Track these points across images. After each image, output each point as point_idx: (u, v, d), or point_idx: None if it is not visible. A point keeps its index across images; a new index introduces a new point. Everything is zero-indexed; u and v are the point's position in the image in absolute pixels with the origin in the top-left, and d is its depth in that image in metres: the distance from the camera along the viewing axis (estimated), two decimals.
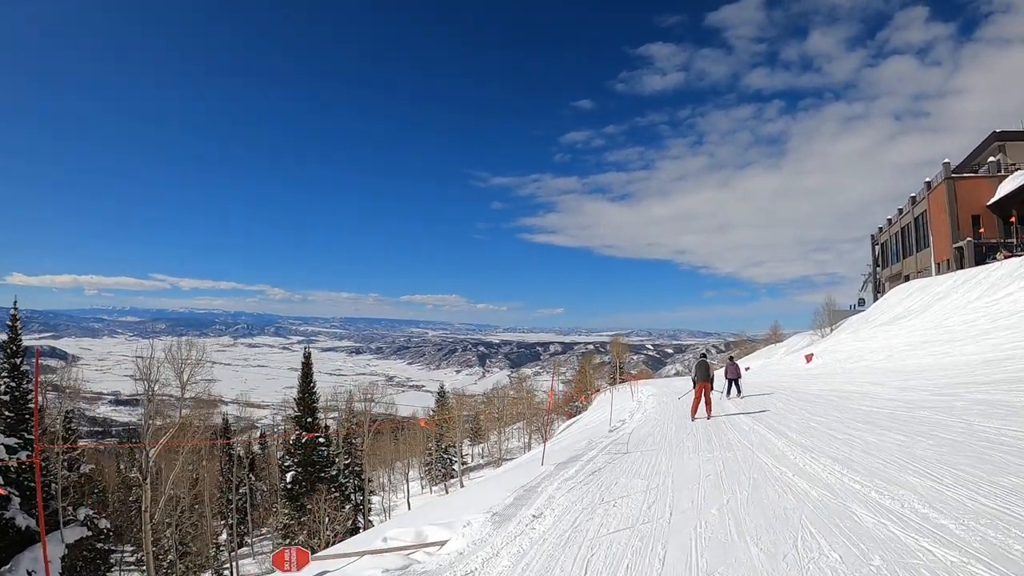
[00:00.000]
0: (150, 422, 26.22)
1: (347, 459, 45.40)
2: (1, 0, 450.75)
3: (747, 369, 38.91)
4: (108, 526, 31.11)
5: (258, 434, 58.89)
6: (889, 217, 52.70)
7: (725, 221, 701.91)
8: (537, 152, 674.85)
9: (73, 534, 25.20)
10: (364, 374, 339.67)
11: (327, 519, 30.49)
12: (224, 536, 40.06)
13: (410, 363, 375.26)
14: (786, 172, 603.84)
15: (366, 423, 43.71)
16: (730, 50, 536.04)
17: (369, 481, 48.65)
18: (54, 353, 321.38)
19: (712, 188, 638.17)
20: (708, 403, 16.31)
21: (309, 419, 36.96)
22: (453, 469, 60.31)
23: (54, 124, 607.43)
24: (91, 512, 28.82)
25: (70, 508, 27.05)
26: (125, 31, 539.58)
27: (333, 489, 34.81)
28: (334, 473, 36.49)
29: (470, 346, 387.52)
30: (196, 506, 35.70)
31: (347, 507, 37.92)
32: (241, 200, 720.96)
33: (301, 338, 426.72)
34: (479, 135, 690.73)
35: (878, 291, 54.89)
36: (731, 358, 26.27)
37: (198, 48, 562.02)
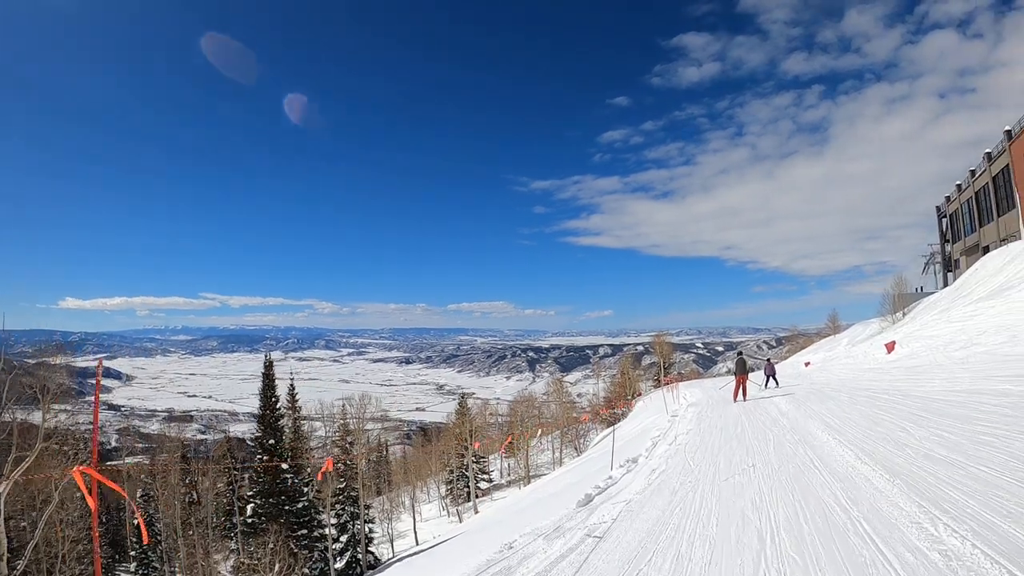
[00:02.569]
0: None
1: (342, 483, 39.86)
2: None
3: (807, 364, 35.90)
4: None
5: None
6: (958, 183, 45.38)
7: (771, 214, 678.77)
8: (576, 153, 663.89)
9: None
10: (414, 384, 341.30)
11: (279, 565, 24.21)
12: None
13: (460, 371, 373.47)
14: (830, 159, 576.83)
15: (360, 446, 37.92)
16: (765, 36, 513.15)
17: (368, 508, 42.85)
18: (109, 373, 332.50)
19: (756, 180, 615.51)
20: (744, 391, 20.61)
21: (271, 440, 30.85)
22: (479, 488, 54.05)
23: (97, 150, 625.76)
24: None
25: None
26: (165, 53, 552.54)
27: (297, 526, 28.59)
28: (300, 507, 30.25)
29: (519, 352, 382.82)
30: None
31: (332, 543, 31.99)
32: (286, 216, 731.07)
33: (351, 350, 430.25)
34: (517, 140, 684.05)
35: (950, 269, 47.94)
36: (768, 360, 28.95)
37: (236, 66, 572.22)
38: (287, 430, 33.76)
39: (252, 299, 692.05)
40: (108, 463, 45.00)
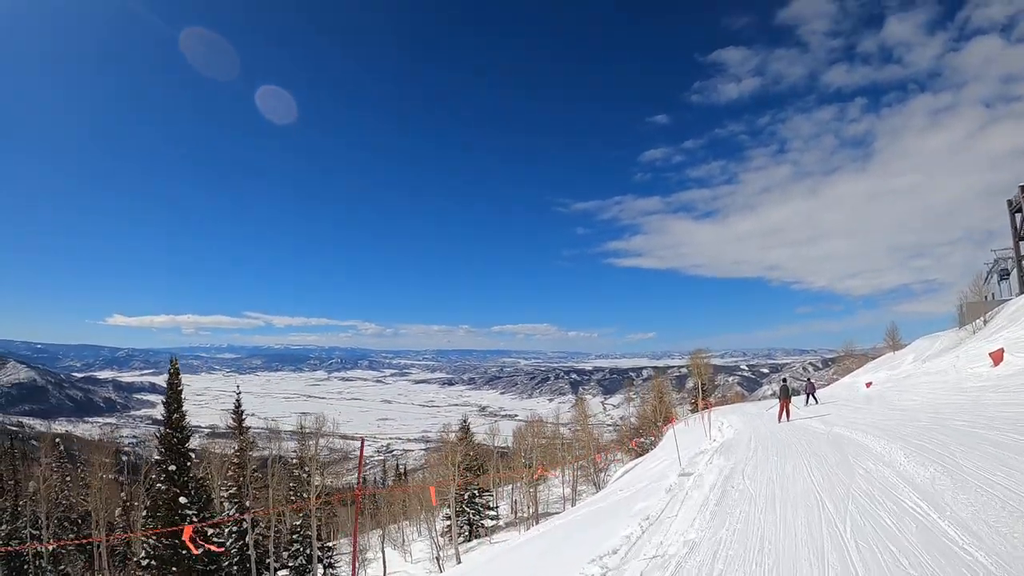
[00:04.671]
0: None
1: (297, 520, 34.60)
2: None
3: (868, 385, 32.21)
4: None
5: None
6: None
7: (815, 232, 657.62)
8: (617, 173, 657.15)
9: None
10: (456, 405, 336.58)
11: None
12: None
13: (503, 392, 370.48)
14: (874, 175, 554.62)
15: (312, 482, 32.44)
16: (804, 48, 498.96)
17: (330, 550, 37.36)
18: (154, 389, 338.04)
19: (799, 198, 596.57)
20: (788, 412, 21.40)
21: (173, 466, 25.71)
22: (481, 525, 48.10)
23: (142, 170, 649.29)
24: None
25: None
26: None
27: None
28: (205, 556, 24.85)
29: (562, 374, 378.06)
30: None
31: None
32: (330, 238, 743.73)
33: (394, 371, 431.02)
34: (557, 160, 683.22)
35: None
36: (809, 379, 31.21)
37: (292, 90, 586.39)
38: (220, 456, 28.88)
39: (296, 319, 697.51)
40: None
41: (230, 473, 34.23)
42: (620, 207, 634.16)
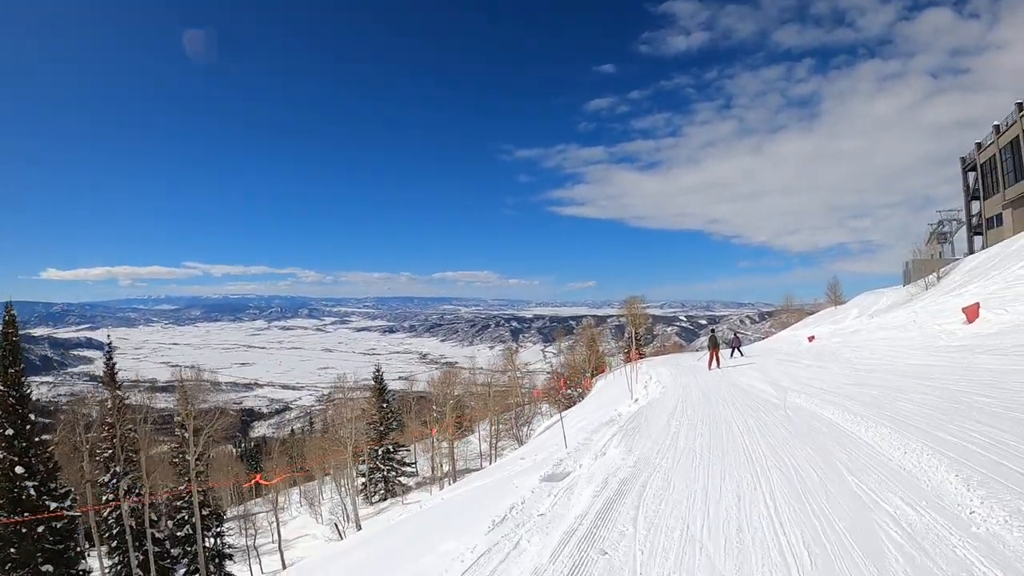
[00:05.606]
0: None
1: (181, 485, 30.51)
2: None
3: (811, 339, 31.62)
4: None
5: None
6: (996, 123, 37.47)
7: (757, 188, 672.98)
8: (561, 122, 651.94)
9: None
10: (398, 352, 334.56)
11: None
12: None
13: (443, 340, 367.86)
14: (819, 135, 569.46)
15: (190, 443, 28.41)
16: (756, 5, 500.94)
17: (218, 518, 33.41)
18: (91, 344, 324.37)
19: (743, 154, 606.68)
20: (718, 360, 23.14)
21: (11, 430, 20.97)
22: (398, 482, 44.56)
23: (73, 118, 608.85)
24: None
25: None
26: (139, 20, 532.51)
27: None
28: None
29: (503, 322, 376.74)
30: None
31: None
32: (268, 185, 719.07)
33: (335, 319, 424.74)
34: (500, 107, 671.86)
35: (992, 225, 39.40)
36: (736, 334, 33.06)
37: (221, 35, 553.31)
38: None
39: (235, 268, 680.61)
40: None
41: (104, 435, 29.89)
42: (564, 156, 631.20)
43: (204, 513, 30.72)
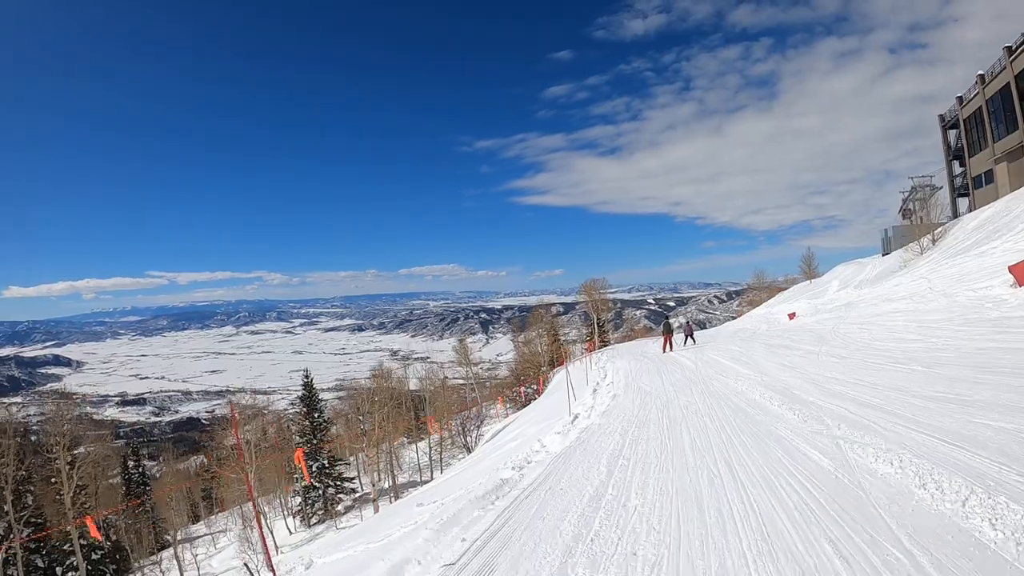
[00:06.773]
0: None
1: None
2: None
3: (792, 316, 31.06)
4: None
5: None
6: (981, 73, 34.31)
7: (719, 169, 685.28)
8: (519, 110, 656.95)
9: None
10: (368, 351, 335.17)
11: None
12: None
13: (413, 335, 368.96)
14: (778, 114, 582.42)
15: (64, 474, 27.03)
16: None
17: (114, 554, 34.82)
18: (58, 361, 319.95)
19: (703, 136, 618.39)
20: (672, 345, 26.16)
21: None
22: (339, 500, 40.64)
23: (28, 132, 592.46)
24: None
25: None
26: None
27: None
28: None
29: (472, 314, 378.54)
30: None
31: None
32: (230, 190, 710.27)
33: (303, 320, 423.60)
34: (458, 99, 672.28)
35: (980, 184, 36.96)
36: (688, 322, 32.08)
37: (175, 46, 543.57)
38: None
39: (200, 275, 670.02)
40: None
41: None
42: (524, 145, 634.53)
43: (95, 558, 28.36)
